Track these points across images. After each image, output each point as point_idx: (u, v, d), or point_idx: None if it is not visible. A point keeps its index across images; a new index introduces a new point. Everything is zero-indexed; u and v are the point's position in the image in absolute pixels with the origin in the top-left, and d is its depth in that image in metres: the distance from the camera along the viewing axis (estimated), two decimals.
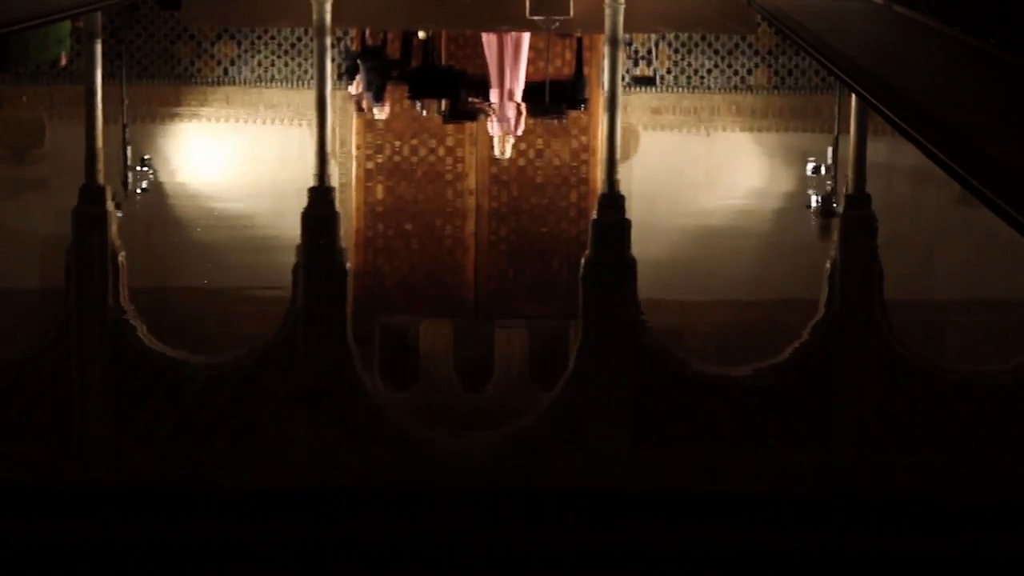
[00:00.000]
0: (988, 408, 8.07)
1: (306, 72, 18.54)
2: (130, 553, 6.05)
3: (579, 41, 19.32)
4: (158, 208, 11.91)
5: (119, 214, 11.34)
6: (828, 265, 10.42)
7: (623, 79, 17.62)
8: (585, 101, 17.08)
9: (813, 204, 12.17)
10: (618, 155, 13.61)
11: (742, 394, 8.15)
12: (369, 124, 15.19)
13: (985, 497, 6.84)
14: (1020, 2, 13.93)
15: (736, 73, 19.02)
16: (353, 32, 19.49)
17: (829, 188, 12.53)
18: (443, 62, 19.38)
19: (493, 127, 15.18)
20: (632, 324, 9.22)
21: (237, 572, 5.96)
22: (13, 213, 11.82)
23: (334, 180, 12.74)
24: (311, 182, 12.48)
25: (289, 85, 18.40)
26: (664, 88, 18.49)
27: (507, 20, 18.92)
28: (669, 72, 19.04)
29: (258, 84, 18.30)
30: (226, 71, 18.83)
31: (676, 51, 19.42)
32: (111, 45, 18.79)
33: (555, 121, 15.85)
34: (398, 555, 6.08)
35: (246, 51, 19.15)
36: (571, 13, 19.88)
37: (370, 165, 13.87)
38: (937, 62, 14.45)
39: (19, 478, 6.87)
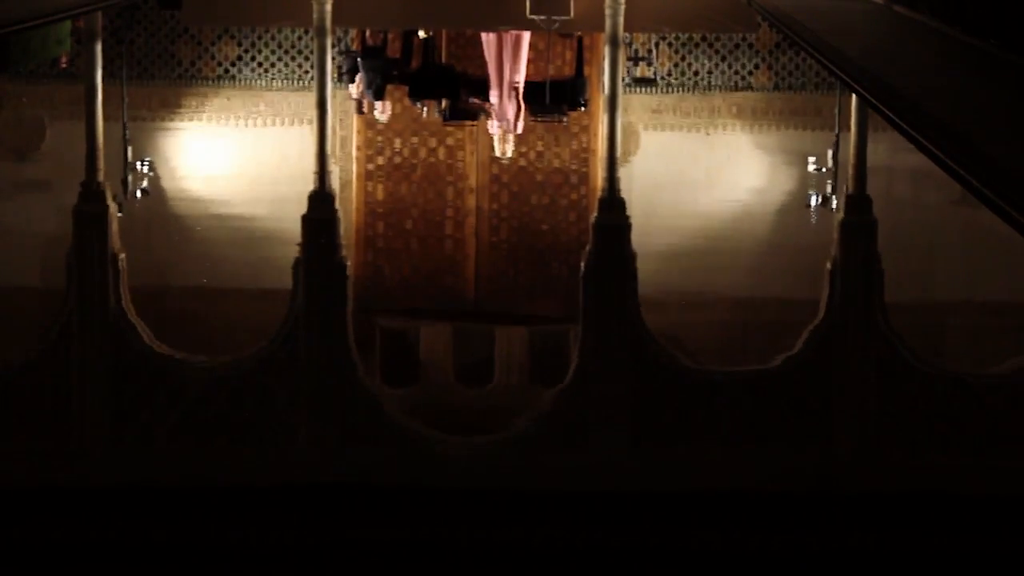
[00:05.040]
0: (988, 408, 8.08)
1: (306, 72, 18.55)
2: (130, 553, 6.06)
3: (579, 41, 19.33)
4: (158, 208, 11.92)
5: (119, 214, 11.34)
6: (828, 265, 10.42)
7: (623, 79, 17.62)
8: (585, 101, 17.08)
9: (813, 204, 12.18)
10: (618, 155, 13.61)
11: (742, 394, 8.15)
12: (369, 124, 15.19)
13: (985, 497, 6.84)
14: (1020, 2, 13.93)
15: (737, 73, 19.02)
16: (353, 32, 19.49)
17: (828, 186, 12.54)
18: (443, 62, 19.38)
19: (493, 127, 15.18)
20: (632, 324, 9.22)
21: (237, 572, 5.97)
22: (14, 213, 11.82)
23: (334, 180, 12.74)
24: (311, 182, 12.48)
25: (290, 85, 18.41)
26: (664, 88, 18.49)
27: (507, 20, 18.92)
28: (670, 72, 19.04)
29: (258, 84, 18.30)
30: (226, 71, 18.83)
31: (677, 51, 19.43)
32: (111, 45, 18.80)
33: (556, 121, 15.85)
34: (398, 555, 6.08)
35: (246, 51, 19.15)
36: (571, 13, 19.89)
37: (370, 165, 13.87)
38: (937, 62, 14.45)
39: (19, 478, 6.87)
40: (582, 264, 10.49)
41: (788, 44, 18.79)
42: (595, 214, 12.12)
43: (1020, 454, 7.52)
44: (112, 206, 11.48)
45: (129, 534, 6.18)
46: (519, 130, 15.14)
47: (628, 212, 11.83)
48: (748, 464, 7.17)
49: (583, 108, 16.83)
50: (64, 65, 17.94)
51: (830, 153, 13.52)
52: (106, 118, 14.19)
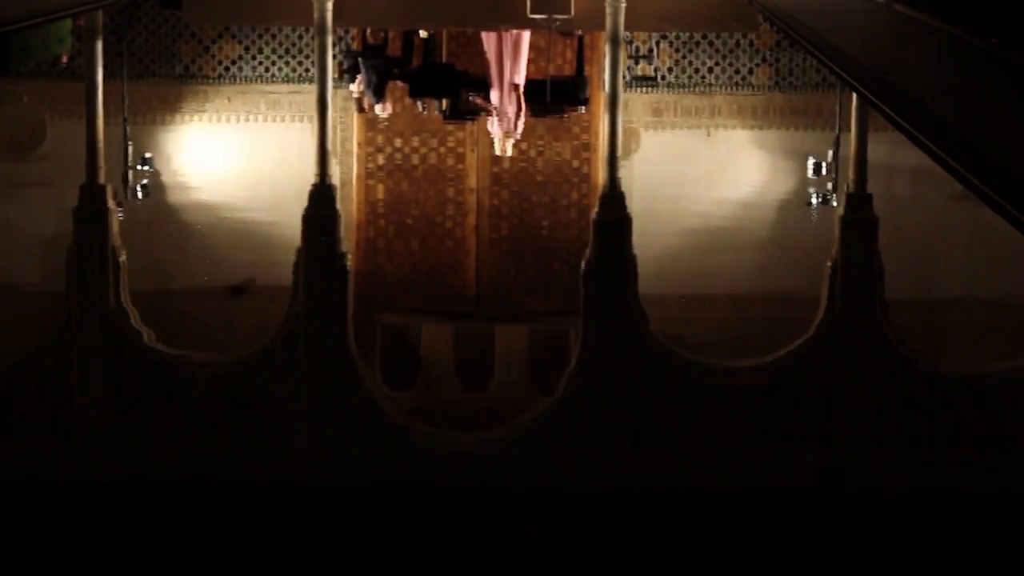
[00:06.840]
0: (988, 408, 8.07)
1: (307, 71, 18.55)
2: (130, 552, 6.06)
3: (580, 40, 19.32)
4: (159, 207, 11.92)
5: (120, 213, 11.35)
6: (829, 264, 10.42)
7: (624, 78, 17.62)
8: (586, 100, 17.08)
9: (814, 202, 12.19)
10: (619, 154, 13.61)
11: (742, 394, 8.15)
12: (370, 123, 15.19)
13: (985, 496, 6.84)
14: (1020, 1, 13.93)
15: (737, 72, 19.02)
16: (354, 31, 19.49)
17: (829, 185, 12.54)
18: (444, 61, 19.38)
19: (494, 126, 15.18)
20: (633, 322, 9.22)
21: (237, 572, 5.97)
22: (14, 211, 11.82)
23: (335, 179, 12.74)
24: (312, 181, 12.48)
25: (290, 84, 18.40)
26: (665, 87, 18.49)
27: (508, 19, 18.92)
28: (670, 71, 19.04)
29: (259, 83, 18.30)
30: (227, 70, 18.83)
31: (677, 50, 19.42)
32: (112, 44, 18.79)
33: (556, 120, 15.85)
34: (398, 555, 6.08)
35: (247, 50, 19.15)
36: (572, 12, 19.88)
37: (371, 164, 13.87)
38: (937, 61, 14.45)
39: (19, 477, 6.88)
40: (583, 262, 10.49)
41: (789, 43, 18.79)
42: (596, 212, 12.12)
43: (1020, 454, 7.52)
44: (112, 205, 11.48)
45: (129, 533, 6.18)
46: (519, 129, 15.14)
47: (628, 210, 11.83)
48: (748, 463, 7.17)
49: (583, 107, 16.83)
50: (65, 64, 17.94)
51: (830, 152, 13.52)
52: (106, 117, 14.19)
